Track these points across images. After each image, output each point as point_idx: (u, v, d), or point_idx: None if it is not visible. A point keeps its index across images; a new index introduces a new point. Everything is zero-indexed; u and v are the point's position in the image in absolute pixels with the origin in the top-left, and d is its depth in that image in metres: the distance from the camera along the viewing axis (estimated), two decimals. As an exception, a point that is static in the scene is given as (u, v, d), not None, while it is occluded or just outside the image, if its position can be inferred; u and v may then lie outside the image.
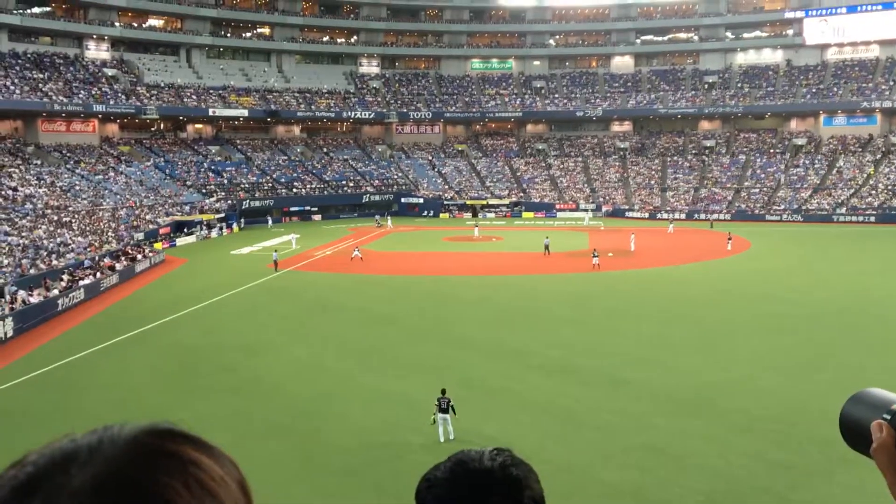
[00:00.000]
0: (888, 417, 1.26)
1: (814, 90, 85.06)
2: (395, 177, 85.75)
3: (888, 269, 42.03)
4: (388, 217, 73.59)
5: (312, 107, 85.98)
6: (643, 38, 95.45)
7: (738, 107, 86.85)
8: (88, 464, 0.70)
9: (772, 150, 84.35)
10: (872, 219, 68.56)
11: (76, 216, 53.60)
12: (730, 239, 51.87)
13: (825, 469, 15.48)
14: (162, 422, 0.76)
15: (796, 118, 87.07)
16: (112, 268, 42.87)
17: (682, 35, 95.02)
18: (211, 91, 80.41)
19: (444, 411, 17.60)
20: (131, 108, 72.86)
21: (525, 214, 78.47)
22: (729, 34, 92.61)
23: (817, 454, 16.18)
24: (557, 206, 79.46)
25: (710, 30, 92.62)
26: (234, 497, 0.74)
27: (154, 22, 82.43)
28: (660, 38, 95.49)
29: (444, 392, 17.93)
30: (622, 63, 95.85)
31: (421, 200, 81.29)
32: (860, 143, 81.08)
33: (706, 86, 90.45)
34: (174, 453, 0.73)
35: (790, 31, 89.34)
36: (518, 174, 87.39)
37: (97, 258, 43.98)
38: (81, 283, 37.58)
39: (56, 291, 34.99)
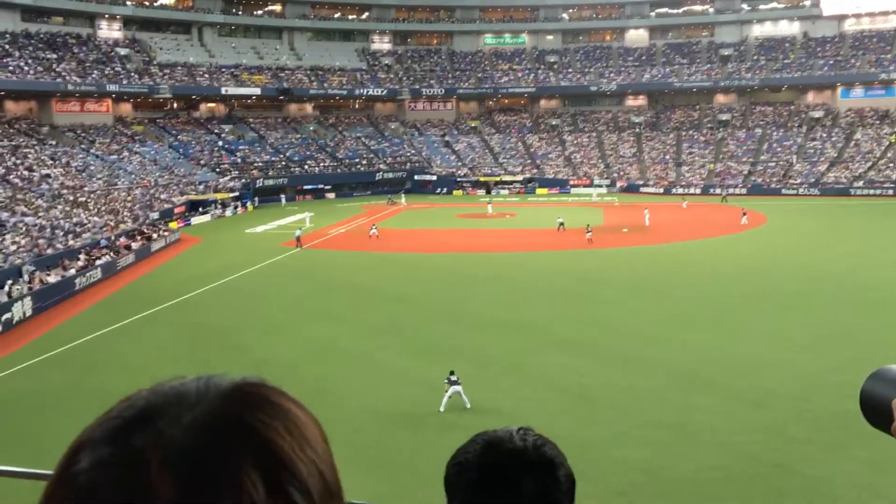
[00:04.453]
0: None
1: (831, 62, 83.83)
2: (408, 154, 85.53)
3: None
4: (403, 194, 73.50)
5: (325, 84, 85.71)
6: (657, 10, 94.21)
7: (754, 80, 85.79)
8: (198, 403, 0.74)
9: (788, 124, 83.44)
10: (891, 192, 67.79)
11: (92, 196, 53.87)
12: (744, 214, 51.44)
13: (842, 444, 15.43)
14: (254, 376, 0.81)
15: (813, 91, 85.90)
16: (128, 247, 43.16)
17: (698, 7, 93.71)
18: (223, 70, 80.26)
19: (456, 383, 18.17)
20: (144, 87, 72.88)
21: (539, 191, 78.10)
22: (745, 6, 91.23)
23: (834, 429, 16.14)
24: (571, 182, 79.04)
25: (725, 1, 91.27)
26: (323, 449, 0.79)
27: (165, 0, 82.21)
28: (674, 11, 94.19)
29: (452, 373, 18.49)
30: (636, 36, 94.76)
31: (434, 178, 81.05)
32: (878, 116, 80.00)
33: (722, 59, 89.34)
34: (274, 401, 0.77)
35: (807, 2, 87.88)
36: (531, 150, 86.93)
37: (113, 238, 44.26)
38: (98, 262, 37.86)
39: (73, 271, 35.27)
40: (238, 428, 0.73)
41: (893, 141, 75.16)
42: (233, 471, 0.69)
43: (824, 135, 79.89)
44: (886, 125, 78.28)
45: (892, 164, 72.47)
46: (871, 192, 68.56)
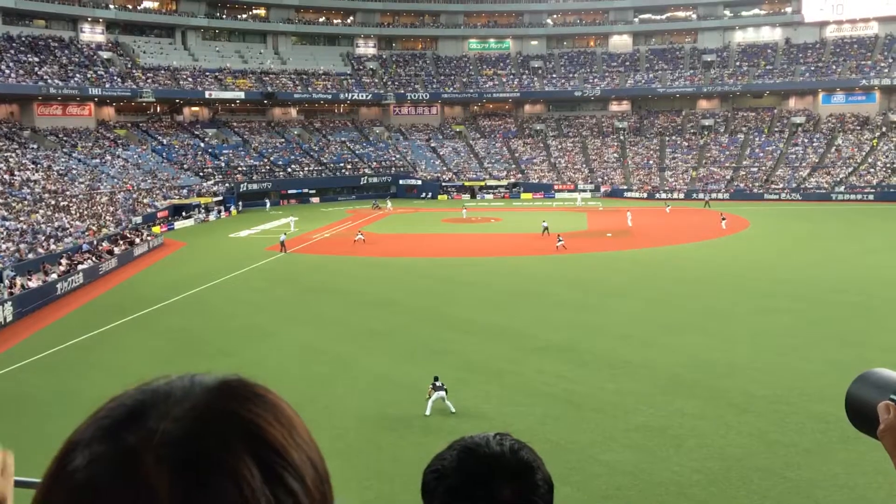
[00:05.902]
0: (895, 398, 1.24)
1: (812, 68, 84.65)
2: (393, 158, 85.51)
3: (887, 247, 42.02)
4: (388, 199, 73.49)
5: (309, 88, 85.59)
6: (641, 16, 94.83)
7: (736, 85, 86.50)
8: (185, 398, 0.76)
9: (769, 129, 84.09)
10: (871, 197, 68.49)
11: (74, 200, 53.46)
12: (723, 219, 51.72)
13: (824, 448, 15.55)
14: (235, 374, 0.83)
15: (795, 96, 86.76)
16: (110, 252, 42.82)
17: (681, 13, 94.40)
18: (207, 73, 79.96)
19: (440, 388, 18.13)
20: (127, 91, 72.48)
21: (523, 195, 78.30)
22: (727, 12, 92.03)
23: (816, 433, 16.26)
24: (556, 187, 79.29)
25: (708, 8, 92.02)
26: (310, 439, 0.80)
27: (149, 4, 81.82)
28: (658, 17, 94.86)
29: (436, 378, 18.43)
30: (620, 42, 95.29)
31: (419, 182, 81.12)
32: (858, 121, 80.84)
33: (704, 64, 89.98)
34: (260, 394, 0.80)
35: (789, 9, 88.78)
36: (516, 155, 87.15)
37: (95, 242, 43.92)
38: (80, 267, 37.55)
39: (55, 276, 34.96)
40: (229, 418, 0.74)
41: (875, 146, 75.94)
42: (229, 459, 0.70)
43: (806, 140, 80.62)
44: (867, 131, 79.12)
45: (872, 170, 73.21)
46: (852, 196, 69.25)
